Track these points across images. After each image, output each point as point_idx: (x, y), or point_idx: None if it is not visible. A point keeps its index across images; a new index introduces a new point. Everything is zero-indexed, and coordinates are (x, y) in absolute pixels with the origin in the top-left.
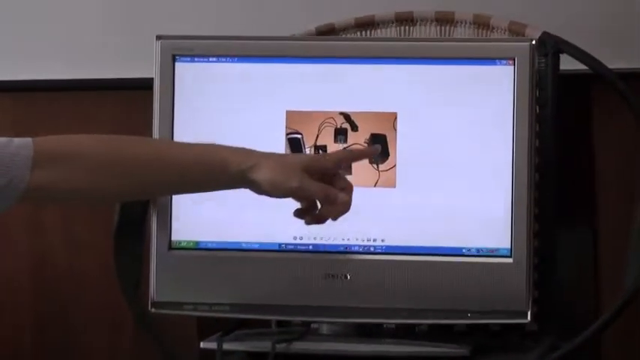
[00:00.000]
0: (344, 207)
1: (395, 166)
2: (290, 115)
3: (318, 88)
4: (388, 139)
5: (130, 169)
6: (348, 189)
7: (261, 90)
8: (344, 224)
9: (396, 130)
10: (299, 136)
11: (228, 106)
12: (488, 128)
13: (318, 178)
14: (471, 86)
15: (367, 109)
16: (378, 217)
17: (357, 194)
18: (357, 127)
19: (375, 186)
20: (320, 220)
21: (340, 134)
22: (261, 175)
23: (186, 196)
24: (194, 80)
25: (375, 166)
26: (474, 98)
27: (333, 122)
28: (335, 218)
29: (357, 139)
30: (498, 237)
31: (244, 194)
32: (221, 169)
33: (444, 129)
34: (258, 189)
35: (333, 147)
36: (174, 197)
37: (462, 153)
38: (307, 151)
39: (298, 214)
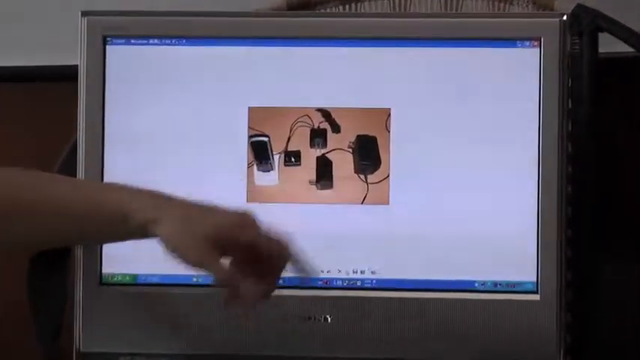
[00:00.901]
0: (254, 298)
1: (388, 177)
2: (254, 112)
3: (289, 77)
4: (379, 143)
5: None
6: (274, 269)
7: (217, 81)
8: (323, 252)
9: (389, 130)
10: (265, 139)
11: (175, 101)
12: (507, 128)
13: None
14: (485, 75)
15: (352, 105)
16: (367, 242)
17: (341, 213)
18: (339, 127)
19: (362, 203)
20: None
21: (318, 136)
22: (163, 233)
23: None
24: (130, 68)
25: (363, 177)
26: (489, 90)
27: (309, 121)
28: (247, 309)
29: (340, 143)
30: (521, 267)
31: None
32: (119, 219)
33: (450, 130)
34: (163, 247)
35: (310, 152)
36: None
37: (473, 160)
38: (276, 158)
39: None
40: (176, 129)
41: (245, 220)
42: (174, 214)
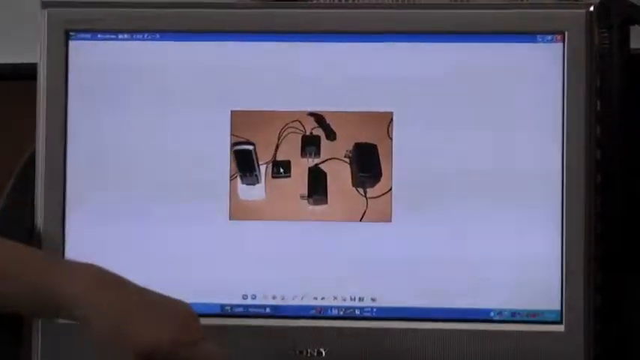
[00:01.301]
0: None
1: (390, 190)
2: (237, 116)
3: (277, 77)
4: (380, 152)
5: None
6: None
7: (195, 81)
8: (317, 276)
9: (391, 137)
10: (250, 147)
11: (147, 104)
12: (527, 135)
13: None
14: (501, 74)
15: (349, 108)
16: (366, 265)
17: (336, 232)
18: (334, 133)
19: (361, 220)
20: None
21: (310, 144)
22: (93, 333)
23: (85, 233)
24: (97, 66)
25: (362, 190)
26: (505, 92)
27: (300, 127)
28: None
29: (335, 152)
30: (542, 294)
31: (169, 231)
32: (52, 309)
33: (461, 137)
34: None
35: (301, 163)
36: (70, 238)
37: (487, 171)
38: (263, 169)
39: None
40: (149, 135)
41: (185, 336)
42: (108, 313)
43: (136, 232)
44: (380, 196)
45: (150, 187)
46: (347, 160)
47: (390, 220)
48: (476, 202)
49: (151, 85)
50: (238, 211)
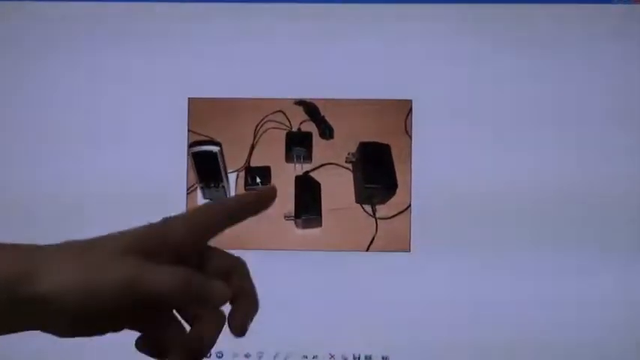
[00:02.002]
0: (224, 320)
1: (409, 207)
2: (196, 105)
3: (251, 51)
4: (394, 154)
5: None
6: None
7: (138, 57)
8: (308, 326)
9: (410, 134)
10: (214, 148)
11: (72, 87)
12: (596, 128)
13: None
14: (565, 45)
15: (352, 95)
16: (375, 312)
17: (335, 265)
18: (331, 129)
19: (368, 250)
20: (191, 355)
21: (298, 144)
22: (50, 282)
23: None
24: (17, 34)
25: (370, 208)
26: (570, 68)
27: (284, 120)
28: (210, 341)
29: (333, 154)
30: (619, 353)
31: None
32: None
33: (505, 132)
34: (52, 312)
35: (285, 169)
36: None
37: (539, 182)
38: (232, 178)
39: (141, 344)
40: (75, 130)
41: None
42: (58, 253)
43: None
44: (395, 215)
45: (80, 201)
46: (349, 165)
47: (408, 249)
48: (530, 225)
49: (77, 62)
50: None
